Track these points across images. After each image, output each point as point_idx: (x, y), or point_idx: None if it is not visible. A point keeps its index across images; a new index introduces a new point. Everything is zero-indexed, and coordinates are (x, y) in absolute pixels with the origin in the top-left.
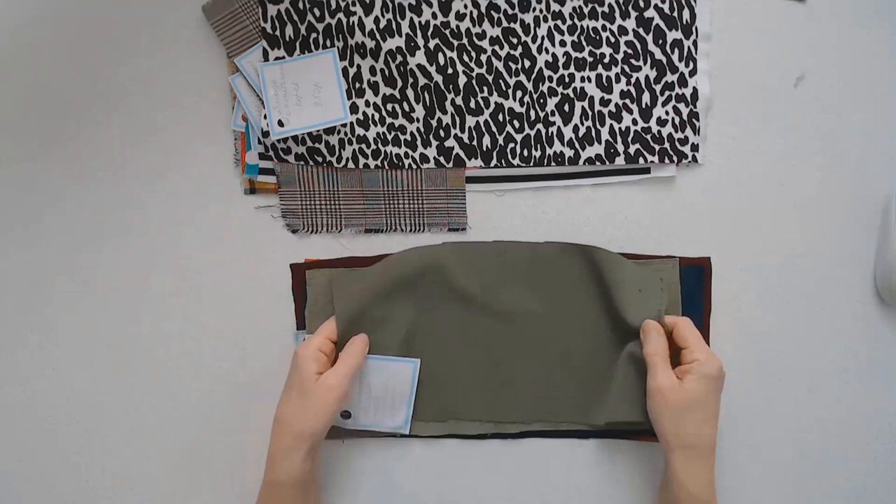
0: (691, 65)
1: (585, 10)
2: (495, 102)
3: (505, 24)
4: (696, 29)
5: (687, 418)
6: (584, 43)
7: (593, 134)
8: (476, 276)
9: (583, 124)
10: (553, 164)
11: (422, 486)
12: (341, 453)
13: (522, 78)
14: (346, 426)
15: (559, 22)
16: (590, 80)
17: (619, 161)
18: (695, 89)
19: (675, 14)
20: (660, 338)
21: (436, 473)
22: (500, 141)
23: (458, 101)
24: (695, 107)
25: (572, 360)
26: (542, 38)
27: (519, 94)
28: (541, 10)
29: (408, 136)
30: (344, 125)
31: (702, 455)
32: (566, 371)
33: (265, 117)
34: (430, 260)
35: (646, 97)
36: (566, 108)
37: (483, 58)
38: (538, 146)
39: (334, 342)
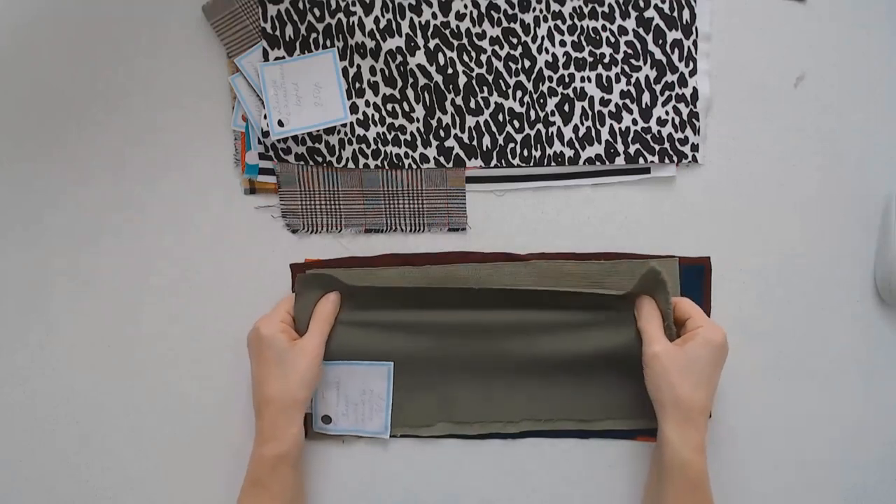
0: (691, 65)
1: (585, 10)
2: (495, 102)
3: (505, 24)
4: (696, 29)
5: (683, 381)
6: (584, 43)
7: (593, 134)
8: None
9: (583, 124)
10: (553, 164)
11: (422, 486)
12: (341, 453)
13: (522, 78)
14: (327, 431)
15: (559, 22)
16: (590, 80)
17: (619, 161)
18: (695, 89)
19: (675, 14)
20: (653, 310)
21: (436, 473)
22: (500, 141)
23: (458, 101)
24: (695, 107)
25: (565, 364)
26: (542, 38)
27: (519, 94)
28: (541, 10)
29: (408, 136)
30: (344, 125)
31: (694, 420)
32: (559, 375)
33: (265, 117)
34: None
35: (646, 97)
36: (566, 108)
37: (483, 58)
38: (538, 146)
39: (292, 316)
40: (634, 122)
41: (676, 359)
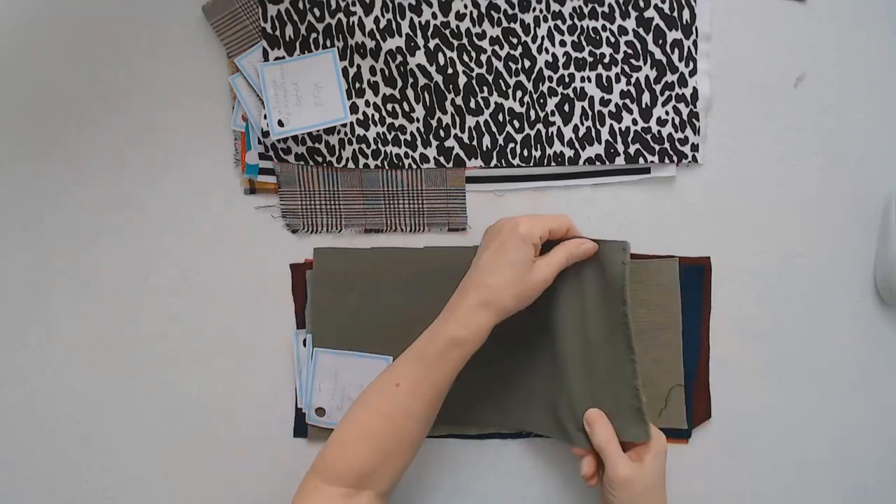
0: (691, 65)
1: (585, 10)
2: (495, 102)
3: (505, 24)
4: (696, 29)
5: (651, 497)
6: (584, 43)
7: (593, 134)
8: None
9: (583, 124)
10: (553, 164)
11: (422, 485)
12: None
13: (522, 78)
14: (320, 424)
15: (559, 22)
16: (590, 80)
17: (619, 161)
18: (695, 89)
19: (675, 14)
20: (607, 426)
21: (436, 473)
22: (500, 141)
23: (458, 101)
24: (695, 107)
25: (560, 365)
26: (542, 38)
27: (519, 94)
28: (541, 10)
29: (408, 136)
30: (344, 125)
31: None
32: (558, 375)
33: (265, 117)
34: (416, 265)
35: (646, 97)
36: (566, 108)
37: (483, 58)
38: (538, 146)
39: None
40: (634, 122)
41: (646, 480)
